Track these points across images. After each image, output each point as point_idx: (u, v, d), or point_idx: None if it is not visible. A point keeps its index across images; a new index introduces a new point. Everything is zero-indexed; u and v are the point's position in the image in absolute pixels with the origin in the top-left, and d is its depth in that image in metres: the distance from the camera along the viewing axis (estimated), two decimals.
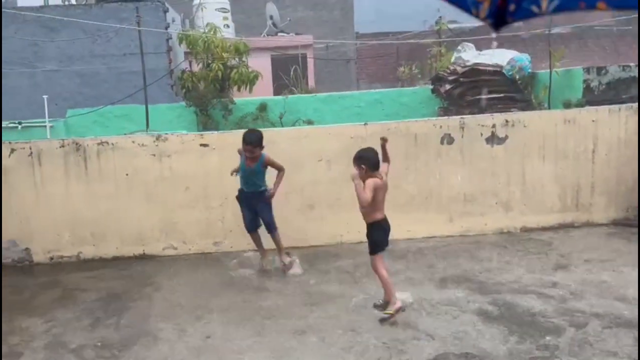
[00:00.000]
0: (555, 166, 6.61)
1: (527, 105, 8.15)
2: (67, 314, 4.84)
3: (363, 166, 4.42)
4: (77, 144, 6.33)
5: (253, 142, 5.40)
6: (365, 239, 6.43)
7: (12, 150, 6.28)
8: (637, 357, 3.59)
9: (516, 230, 6.62)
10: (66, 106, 10.42)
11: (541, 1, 1.53)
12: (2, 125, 9.84)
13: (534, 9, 1.56)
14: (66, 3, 12.17)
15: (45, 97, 9.77)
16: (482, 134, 6.52)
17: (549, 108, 7.99)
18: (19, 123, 9.89)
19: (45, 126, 9.70)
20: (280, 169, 5.64)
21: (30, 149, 6.29)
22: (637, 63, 7.78)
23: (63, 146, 6.31)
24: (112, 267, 6.05)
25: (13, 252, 6.35)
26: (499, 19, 1.61)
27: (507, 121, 6.55)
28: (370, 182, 4.38)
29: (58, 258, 6.37)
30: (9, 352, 4.14)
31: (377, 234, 4.53)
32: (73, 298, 5.22)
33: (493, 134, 6.52)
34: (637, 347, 3.70)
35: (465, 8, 1.60)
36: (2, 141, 6.52)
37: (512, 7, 1.58)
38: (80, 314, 4.81)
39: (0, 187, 6.17)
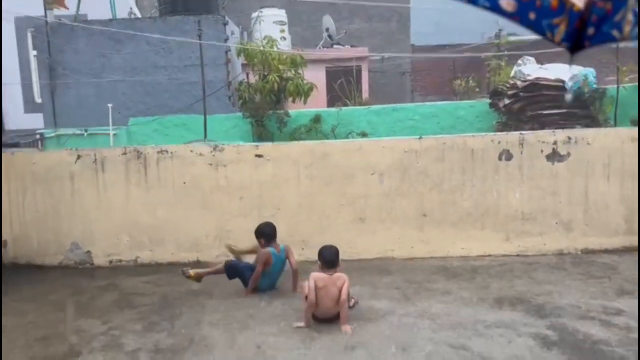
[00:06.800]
0: (621, 186, 6.30)
1: (591, 121, 7.81)
2: (124, 317, 5.00)
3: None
4: (138, 151, 6.57)
5: (256, 232, 5.49)
6: (416, 255, 6.37)
7: (79, 157, 6.59)
8: None
9: (577, 252, 6.34)
10: (129, 115, 10.87)
11: (623, 25, 1.44)
12: (70, 133, 10.39)
13: (615, 33, 1.47)
14: (132, 17, 12.72)
15: (109, 105, 10.23)
16: (542, 151, 6.30)
17: (615, 125, 7.64)
18: (85, 130, 10.39)
19: (109, 134, 10.15)
20: (256, 273, 5.36)
21: (95, 155, 6.59)
22: None
23: (125, 154, 6.57)
24: (168, 272, 6.21)
25: (76, 254, 6.64)
26: (575, 43, 1.53)
27: (569, 138, 6.31)
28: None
29: (117, 262, 6.62)
30: (68, 352, 4.31)
31: None
32: (130, 302, 5.39)
33: (554, 150, 6.29)
34: None
35: (540, 31, 1.52)
36: (69, 148, 6.87)
37: (590, 30, 1.49)
38: (136, 318, 4.96)
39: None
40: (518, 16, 1.47)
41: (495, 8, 1.44)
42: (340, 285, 4.50)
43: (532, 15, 1.47)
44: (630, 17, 1.43)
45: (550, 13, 1.47)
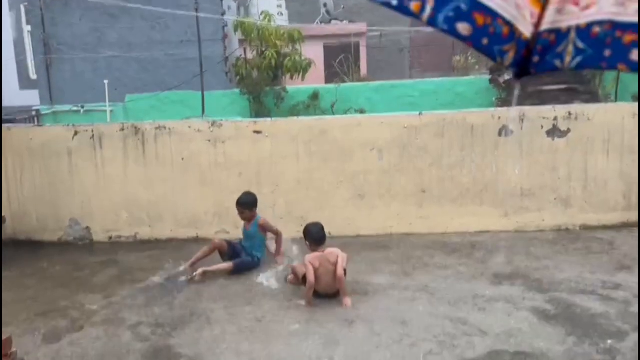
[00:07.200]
0: (621, 162, 6.29)
1: (591, 97, 7.77)
2: (124, 291, 5.02)
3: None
4: (136, 127, 6.52)
5: (241, 202, 5.43)
6: (415, 231, 6.39)
7: (76, 133, 6.54)
8: None
9: (575, 228, 6.36)
10: (125, 91, 10.77)
11: (565, 56, 1.57)
12: (67, 109, 10.30)
13: (557, 63, 1.60)
14: None
15: (106, 82, 10.13)
16: (542, 127, 6.27)
17: (616, 100, 7.60)
18: (82, 107, 10.31)
19: (105, 110, 10.07)
20: (277, 234, 5.55)
21: (92, 131, 6.54)
22: None
23: (123, 130, 6.52)
24: (167, 248, 6.23)
25: (75, 230, 6.64)
26: (522, 69, 1.65)
27: (570, 113, 6.27)
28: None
29: (116, 238, 6.62)
30: (70, 326, 4.33)
31: None
32: (130, 277, 5.40)
33: (554, 126, 6.26)
34: None
35: (491, 55, 1.64)
36: (67, 124, 6.82)
37: (535, 58, 1.62)
38: (136, 293, 4.97)
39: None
40: (471, 41, 1.58)
41: (452, 31, 1.55)
42: (334, 261, 4.50)
43: (485, 41, 1.58)
44: (570, 48, 1.56)
45: (501, 40, 1.58)
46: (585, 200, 6.36)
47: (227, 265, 5.32)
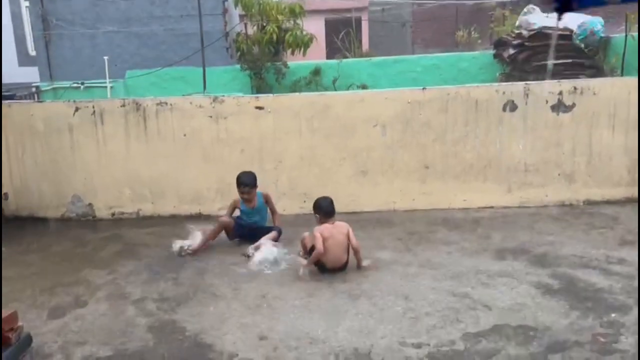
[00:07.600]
0: (626, 137, 6.23)
1: (597, 72, 7.67)
2: (128, 267, 5.03)
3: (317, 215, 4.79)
4: (137, 103, 6.46)
5: (247, 182, 5.41)
6: (418, 207, 6.38)
7: (77, 109, 6.48)
8: None
9: (579, 203, 6.34)
10: (125, 67, 10.66)
11: None
12: (67, 86, 10.21)
13: None
14: None
15: (105, 58, 10.02)
16: (547, 101, 6.20)
17: (622, 75, 7.50)
18: (82, 83, 10.21)
19: (105, 86, 9.98)
20: (275, 212, 5.65)
21: (93, 107, 6.48)
22: None
23: (124, 105, 6.46)
24: (170, 224, 6.22)
25: (77, 207, 6.63)
26: (564, 3, 1.54)
27: (575, 88, 6.20)
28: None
29: (119, 214, 6.62)
30: (74, 302, 4.35)
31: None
32: (133, 252, 5.42)
33: (560, 101, 6.19)
34: None
35: None
36: (67, 100, 6.76)
37: None
38: (140, 268, 4.99)
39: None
40: None
41: None
42: (346, 232, 4.63)
43: None
44: None
45: None
46: (590, 175, 6.32)
47: (274, 233, 5.41)
